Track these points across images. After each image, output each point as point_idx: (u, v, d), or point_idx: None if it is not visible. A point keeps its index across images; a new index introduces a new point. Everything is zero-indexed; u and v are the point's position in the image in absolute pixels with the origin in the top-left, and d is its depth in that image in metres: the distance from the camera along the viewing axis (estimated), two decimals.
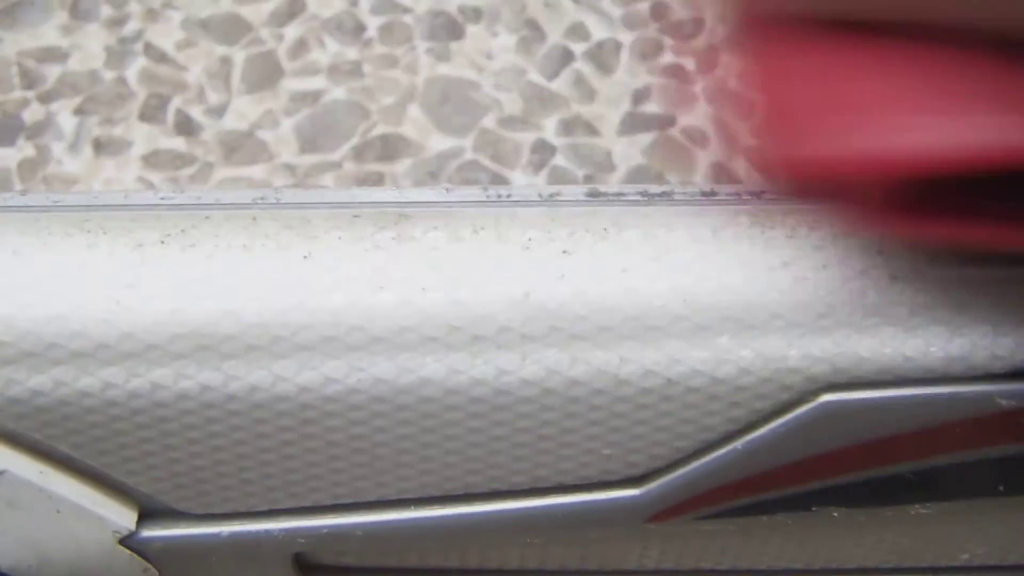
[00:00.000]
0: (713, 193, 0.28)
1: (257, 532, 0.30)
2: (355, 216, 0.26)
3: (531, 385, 0.26)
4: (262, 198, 0.26)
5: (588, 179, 0.74)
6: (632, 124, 0.77)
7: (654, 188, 0.28)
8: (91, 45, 0.75)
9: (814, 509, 0.31)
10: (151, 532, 0.30)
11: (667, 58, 0.81)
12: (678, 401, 0.27)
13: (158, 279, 0.25)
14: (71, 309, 0.24)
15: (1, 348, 0.24)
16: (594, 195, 0.27)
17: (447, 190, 0.27)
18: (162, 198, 0.26)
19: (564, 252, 0.26)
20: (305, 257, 0.25)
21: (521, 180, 0.75)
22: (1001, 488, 0.31)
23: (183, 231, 0.26)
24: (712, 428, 0.28)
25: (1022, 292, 0.27)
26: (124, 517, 0.29)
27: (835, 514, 0.31)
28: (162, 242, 0.26)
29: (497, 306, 0.25)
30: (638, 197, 0.27)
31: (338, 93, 0.74)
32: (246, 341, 0.25)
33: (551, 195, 0.27)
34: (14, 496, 0.27)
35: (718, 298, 0.26)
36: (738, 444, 0.28)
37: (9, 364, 0.25)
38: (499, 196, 0.27)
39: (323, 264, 0.25)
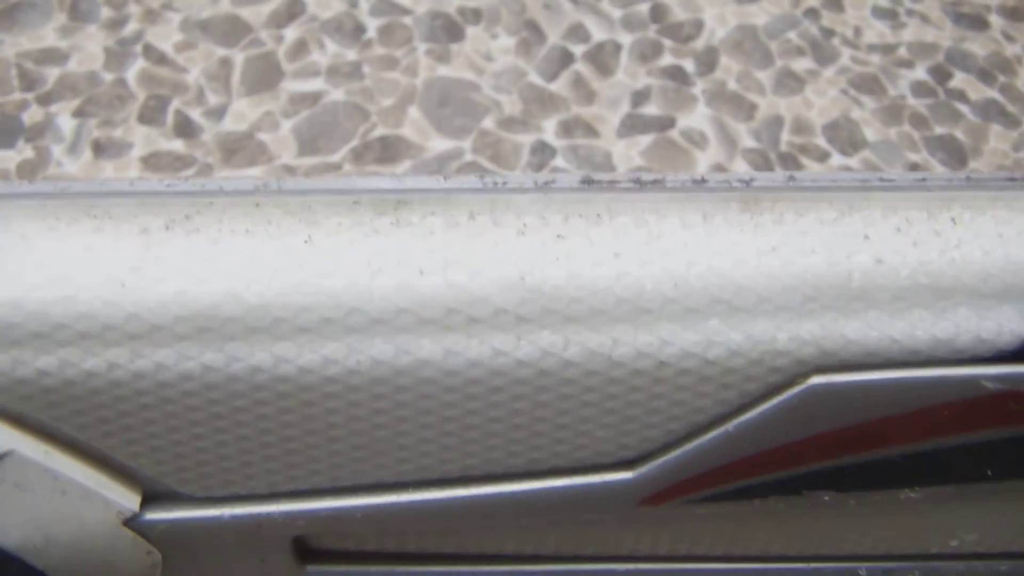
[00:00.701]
0: (704, 181, 0.28)
1: (258, 515, 0.31)
2: (355, 202, 0.27)
3: (526, 366, 0.27)
4: (265, 185, 0.27)
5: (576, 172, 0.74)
6: (631, 125, 0.78)
7: (646, 175, 0.28)
8: (90, 47, 0.76)
9: (805, 493, 0.31)
10: (154, 514, 0.30)
11: (667, 60, 0.82)
12: (670, 383, 0.28)
13: (163, 262, 0.26)
14: (77, 291, 0.25)
15: (9, 329, 0.25)
16: (587, 182, 0.28)
17: (444, 178, 0.28)
18: (167, 185, 0.27)
19: (558, 237, 0.27)
20: (306, 241, 0.26)
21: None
22: (990, 473, 0.32)
23: (187, 216, 0.26)
24: (703, 410, 0.29)
25: (1005, 276, 0.27)
26: (128, 499, 0.29)
27: (826, 498, 0.32)
28: (167, 227, 0.26)
29: (493, 289, 0.26)
30: (631, 184, 0.28)
31: (337, 95, 0.75)
32: (248, 323, 0.25)
33: (546, 182, 0.28)
34: (20, 476, 0.28)
35: (708, 281, 0.26)
36: (729, 426, 0.29)
37: (16, 345, 0.25)
38: (495, 183, 0.28)
39: (323, 248, 0.26)
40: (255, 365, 0.26)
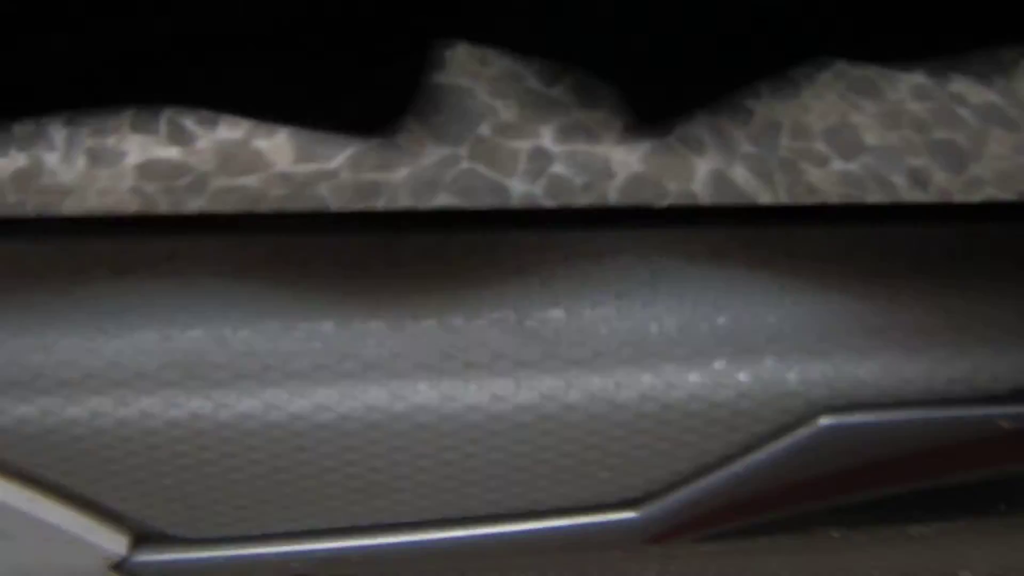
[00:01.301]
0: (710, 212, 0.27)
1: (251, 556, 0.30)
2: (346, 242, 0.26)
3: (526, 411, 0.26)
4: (251, 224, 0.26)
5: (587, 187, 0.74)
6: (631, 131, 0.77)
7: (650, 210, 0.27)
8: None
9: (813, 530, 0.30)
10: (143, 557, 0.29)
11: None
12: (676, 425, 0.27)
13: (146, 306, 0.25)
14: (57, 338, 0.24)
15: None
16: (588, 219, 0.27)
17: (440, 214, 0.27)
18: (148, 223, 0.26)
19: (558, 277, 0.26)
20: (295, 283, 0.25)
21: (519, 188, 0.74)
22: (1002, 507, 0.31)
23: (169, 258, 0.25)
24: (710, 451, 0.28)
25: (1020, 313, 0.27)
26: (116, 543, 0.28)
27: (834, 535, 0.31)
28: (150, 269, 0.25)
29: (490, 332, 0.25)
30: (633, 221, 0.27)
31: None
32: (235, 370, 0.24)
33: (544, 220, 0.27)
34: (4, 525, 0.27)
35: (714, 321, 0.26)
36: (737, 467, 0.28)
37: None
38: (492, 221, 0.27)
39: (314, 290, 0.25)
40: (244, 412, 0.25)
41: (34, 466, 0.26)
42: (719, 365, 0.26)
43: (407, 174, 0.83)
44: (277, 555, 0.30)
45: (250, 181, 0.82)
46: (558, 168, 0.82)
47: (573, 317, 0.25)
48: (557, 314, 0.25)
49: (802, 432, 0.27)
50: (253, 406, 0.25)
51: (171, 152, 0.79)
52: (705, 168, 0.67)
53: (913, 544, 0.33)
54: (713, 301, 0.25)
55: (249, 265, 0.25)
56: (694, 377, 0.26)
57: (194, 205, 0.28)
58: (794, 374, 0.26)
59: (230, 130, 0.81)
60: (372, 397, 0.25)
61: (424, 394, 0.25)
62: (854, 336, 0.26)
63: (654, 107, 0.26)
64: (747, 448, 0.28)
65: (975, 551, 0.34)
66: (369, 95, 0.24)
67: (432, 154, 0.71)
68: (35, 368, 0.24)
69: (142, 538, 0.29)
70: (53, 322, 0.24)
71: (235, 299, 0.24)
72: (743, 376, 0.26)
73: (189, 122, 0.77)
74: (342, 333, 0.24)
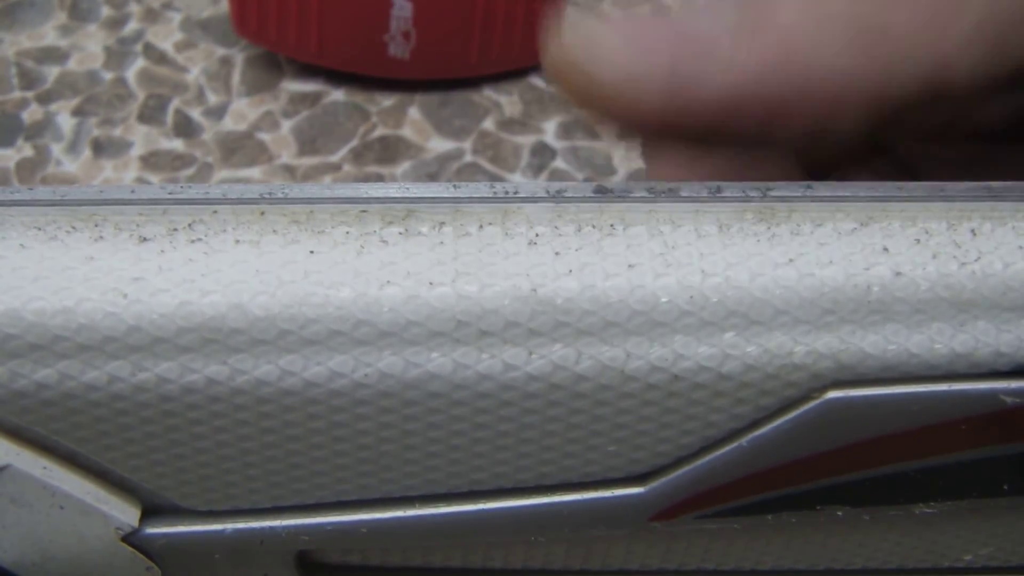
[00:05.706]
0: (719, 190, 0.28)
1: (261, 529, 0.30)
2: (363, 211, 0.26)
3: (537, 380, 0.26)
4: (270, 193, 0.26)
5: (588, 182, 0.74)
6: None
7: (660, 185, 0.28)
8: (90, 46, 0.75)
9: (818, 508, 0.31)
10: (154, 529, 0.30)
11: None
12: (683, 397, 0.27)
13: (165, 273, 0.25)
14: (77, 302, 0.24)
15: (7, 341, 0.24)
16: (600, 192, 0.27)
17: (455, 187, 0.27)
18: (169, 193, 0.26)
19: (571, 248, 0.26)
20: (312, 252, 0.25)
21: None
22: (1005, 488, 0.31)
23: (190, 225, 0.26)
24: (717, 425, 0.28)
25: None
26: (127, 514, 0.29)
27: (839, 513, 0.31)
28: (169, 236, 0.25)
29: (504, 301, 0.25)
30: (644, 194, 0.27)
31: (338, 95, 0.74)
32: (253, 335, 0.25)
33: (558, 191, 0.27)
34: (17, 492, 0.27)
35: (724, 294, 0.26)
36: (743, 441, 0.28)
37: (15, 357, 0.25)
38: (506, 192, 0.27)
39: (330, 259, 0.25)
40: (260, 378, 0.25)
41: (50, 432, 0.27)
42: (729, 337, 0.26)
43: (409, 167, 0.83)
44: (286, 528, 0.30)
45: (253, 173, 0.83)
46: (560, 163, 0.83)
47: (585, 287, 0.25)
48: (570, 284, 0.25)
49: (809, 406, 0.27)
50: (269, 372, 0.25)
51: (176, 143, 0.79)
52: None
53: (918, 525, 0.33)
54: (723, 273, 0.26)
55: (267, 233, 0.26)
56: (703, 348, 0.26)
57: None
58: (801, 347, 0.26)
59: (235, 122, 0.81)
60: (386, 364, 0.25)
61: (437, 362, 0.25)
62: (859, 309, 0.26)
63: None
64: (754, 422, 0.28)
65: (978, 533, 0.34)
66: None
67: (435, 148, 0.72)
68: (55, 332, 0.24)
69: (153, 509, 0.30)
70: (74, 286, 0.24)
71: (253, 266, 0.25)
72: (752, 348, 0.26)
73: (195, 113, 0.77)
74: (358, 300, 0.25)
